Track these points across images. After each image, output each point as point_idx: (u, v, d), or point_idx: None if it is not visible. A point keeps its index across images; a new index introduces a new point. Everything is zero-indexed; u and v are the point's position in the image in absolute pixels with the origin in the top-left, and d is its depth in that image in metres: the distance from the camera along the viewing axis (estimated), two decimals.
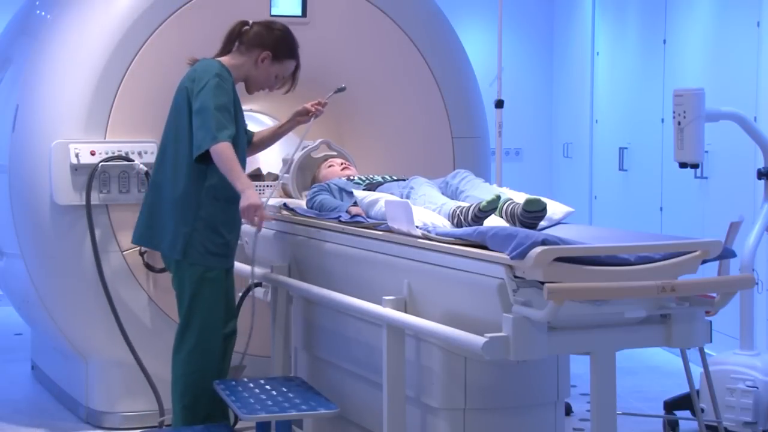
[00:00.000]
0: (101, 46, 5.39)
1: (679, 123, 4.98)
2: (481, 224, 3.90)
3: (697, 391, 5.07)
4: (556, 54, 9.48)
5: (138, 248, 5.33)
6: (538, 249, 3.33)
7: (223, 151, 4.45)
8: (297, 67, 4.82)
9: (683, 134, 4.97)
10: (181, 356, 4.66)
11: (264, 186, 5.63)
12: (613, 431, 3.53)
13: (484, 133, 6.18)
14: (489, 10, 8.67)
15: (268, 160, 6.00)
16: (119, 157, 5.37)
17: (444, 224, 4.03)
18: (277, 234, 4.99)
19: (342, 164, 5.40)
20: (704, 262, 3.59)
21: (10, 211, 5.56)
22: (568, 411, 5.60)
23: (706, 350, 4.92)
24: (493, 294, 3.50)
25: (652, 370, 6.70)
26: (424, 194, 4.36)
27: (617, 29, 8.33)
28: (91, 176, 5.31)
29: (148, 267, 5.41)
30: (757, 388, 5.12)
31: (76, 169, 5.31)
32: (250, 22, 4.78)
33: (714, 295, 3.70)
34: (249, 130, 4.94)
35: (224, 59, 4.69)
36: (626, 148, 8.01)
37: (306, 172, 5.54)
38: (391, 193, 4.54)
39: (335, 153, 5.56)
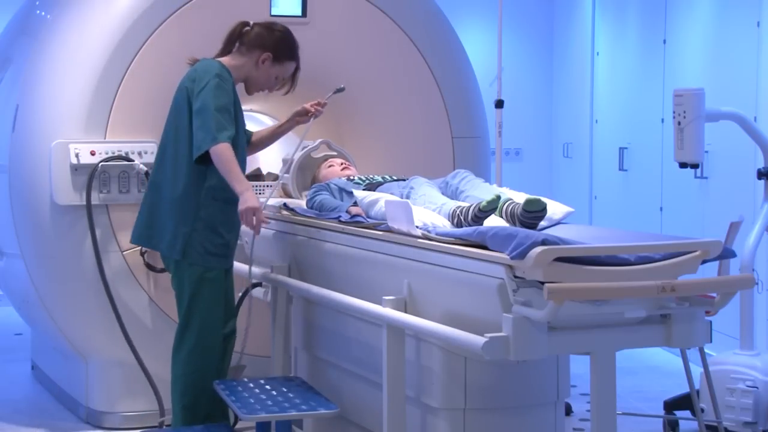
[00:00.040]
0: (101, 46, 5.39)
1: (679, 123, 4.98)
2: (481, 224, 3.90)
3: (697, 391, 5.07)
4: (556, 54, 9.48)
5: (138, 248, 5.33)
6: (538, 249, 3.33)
7: (222, 153, 4.45)
8: (297, 69, 4.82)
9: (683, 134, 4.97)
10: (181, 356, 4.66)
11: (264, 186, 5.63)
12: (613, 431, 3.53)
13: (484, 133, 6.18)
14: (489, 10, 8.68)
15: (268, 160, 6.00)
16: (119, 157, 5.37)
17: (444, 224, 4.03)
18: (277, 234, 4.99)
19: (342, 164, 5.40)
20: (704, 262, 3.59)
21: (10, 211, 5.56)
22: (568, 411, 5.60)
23: (706, 350, 4.92)
24: (493, 294, 3.50)
25: (652, 370, 6.70)
26: (424, 194, 4.36)
27: (617, 29, 8.33)
28: (91, 176, 5.31)
29: (149, 267, 5.41)
30: (757, 388, 5.12)
31: (76, 169, 5.31)
32: (251, 22, 4.78)
33: (714, 295, 3.70)
34: (248, 130, 4.94)
35: (224, 60, 4.69)
36: (626, 148, 8.01)
37: (306, 172, 5.54)
38: (391, 193, 4.54)
39: (335, 153, 5.56)
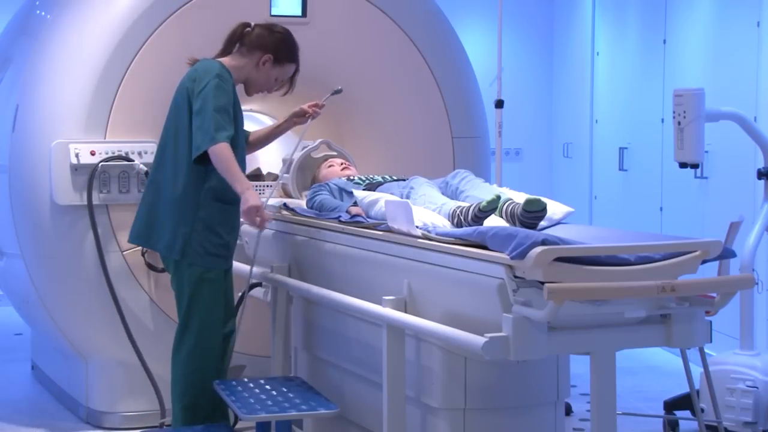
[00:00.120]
0: (101, 46, 5.39)
1: (679, 123, 4.98)
2: (481, 224, 3.90)
3: (697, 391, 5.07)
4: (556, 54, 9.48)
5: (138, 248, 5.33)
6: (538, 249, 3.33)
7: (221, 152, 4.45)
8: (296, 71, 4.82)
9: (683, 134, 4.97)
10: (181, 356, 4.66)
11: (264, 186, 5.63)
12: (613, 431, 3.53)
13: (484, 133, 6.18)
14: (489, 10, 8.68)
15: (268, 160, 6.00)
16: (119, 157, 5.37)
17: (444, 224, 4.03)
18: (277, 234, 4.99)
19: (342, 164, 5.40)
20: (704, 262, 3.59)
21: (10, 211, 5.56)
22: (568, 411, 5.60)
23: (706, 350, 4.92)
24: (493, 294, 3.50)
25: (652, 370, 6.70)
26: (424, 194, 4.36)
27: (617, 29, 8.33)
28: (91, 176, 5.31)
29: (150, 267, 5.41)
30: (757, 388, 5.12)
31: (76, 169, 5.31)
32: (252, 24, 4.78)
33: (714, 295, 3.70)
34: (245, 130, 4.94)
35: (225, 60, 4.69)
36: (626, 148, 8.01)
37: (306, 172, 5.54)
38: (391, 193, 4.54)
39: (335, 153, 5.56)
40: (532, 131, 9.48)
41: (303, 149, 5.48)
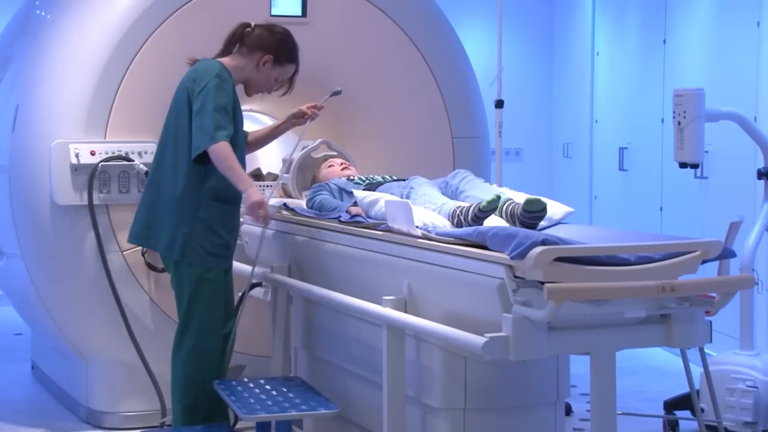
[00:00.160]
0: (101, 46, 5.39)
1: (679, 123, 4.98)
2: (481, 224, 3.90)
3: (697, 391, 5.07)
4: (556, 54, 9.48)
5: (138, 248, 5.33)
6: (538, 249, 3.33)
7: (221, 151, 4.45)
8: (295, 71, 4.82)
9: (683, 134, 4.97)
10: (181, 357, 4.66)
11: (264, 186, 5.63)
12: (613, 431, 3.53)
13: (484, 133, 6.18)
14: (489, 10, 8.68)
15: (268, 160, 6.00)
16: (119, 157, 5.37)
17: (444, 224, 4.03)
18: (277, 234, 4.99)
19: (342, 164, 5.40)
20: (704, 262, 3.59)
21: (10, 211, 5.56)
22: (568, 411, 5.60)
23: (706, 350, 4.91)
24: (493, 294, 3.50)
25: (652, 370, 6.70)
26: (424, 194, 4.36)
27: (617, 29, 8.33)
28: (91, 176, 5.31)
29: (150, 267, 5.41)
30: (757, 388, 5.12)
31: (76, 169, 5.31)
32: (252, 24, 4.78)
33: (714, 295, 3.70)
34: (244, 130, 4.94)
35: (225, 60, 4.69)
36: (626, 148, 8.01)
37: (306, 172, 5.54)
38: (391, 193, 4.54)
39: (335, 153, 5.56)
40: (532, 131, 9.48)
41: (303, 149, 5.48)
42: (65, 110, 5.37)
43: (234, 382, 4.57)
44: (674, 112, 5.01)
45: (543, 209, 3.95)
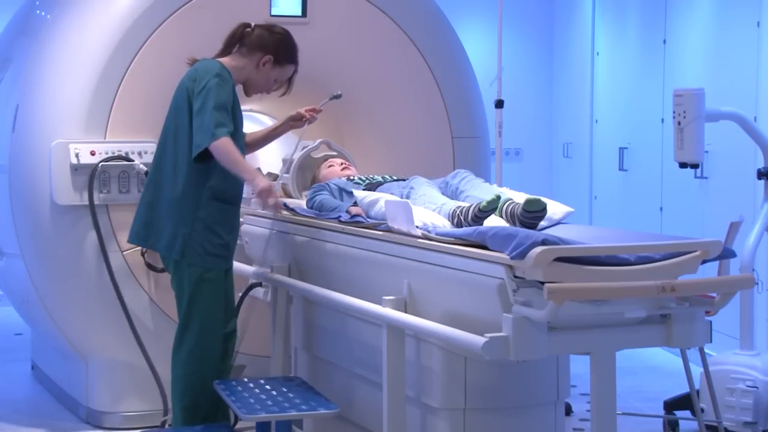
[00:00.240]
0: (101, 46, 5.39)
1: (679, 123, 4.98)
2: (481, 224, 3.90)
3: (697, 391, 5.07)
4: (556, 54, 9.48)
5: (138, 248, 5.33)
6: (538, 249, 3.33)
7: (223, 146, 4.45)
8: (294, 72, 4.82)
9: (683, 134, 4.97)
10: (181, 357, 4.66)
11: None
12: (613, 431, 3.53)
13: (484, 133, 6.18)
14: (489, 10, 8.68)
15: (268, 160, 6.00)
16: (119, 157, 5.37)
17: (444, 224, 4.03)
18: (277, 234, 4.99)
19: (342, 164, 5.40)
20: (704, 262, 3.59)
21: (10, 211, 5.56)
22: (568, 411, 5.60)
23: (706, 350, 4.91)
24: (493, 294, 3.50)
25: (652, 370, 6.70)
26: (424, 194, 4.36)
27: (617, 29, 8.33)
28: (91, 176, 5.31)
29: (150, 267, 5.41)
30: (757, 388, 5.12)
31: (76, 169, 5.31)
32: (252, 24, 4.78)
33: (714, 295, 3.70)
34: (242, 131, 4.94)
35: (225, 60, 4.69)
36: (626, 148, 8.01)
37: (306, 172, 5.54)
38: (391, 193, 4.54)
39: (335, 153, 5.56)
40: (532, 131, 9.48)
41: (303, 149, 5.48)
42: (65, 110, 5.37)
43: (234, 382, 4.57)
44: (674, 112, 5.01)
45: (543, 209, 3.95)
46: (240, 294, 5.07)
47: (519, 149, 9.48)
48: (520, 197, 4.16)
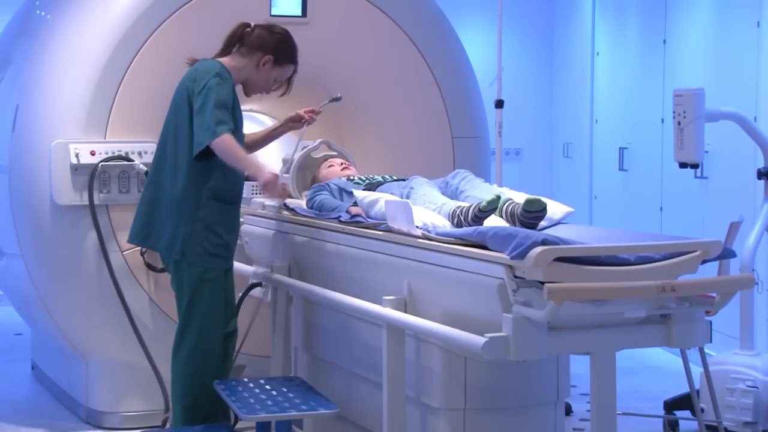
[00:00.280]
0: (101, 46, 5.39)
1: (679, 123, 4.98)
2: (481, 224, 3.90)
3: (697, 391, 5.07)
4: (556, 54, 9.48)
5: (138, 248, 5.33)
6: (538, 249, 3.33)
7: (224, 142, 4.45)
8: (294, 72, 4.82)
9: (683, 134, 4.97)
10: (181, 357, 4.66)
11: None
12: (613, 431, 3.53)
13: (484, 133, 6.18)
14: (489, 10, 8.68)
15: (268, 160, 5.99)
16: (119, 157, 5.37)
17: (444, 224, 4.03)
18: (277, 234, 4.99)
19: (342, 164, 5.40)
20: (704, 262, 3.59)
21: (10, 211, 5.56)
22: (568, 411, 5.60)
23: (706, 350, 4.91)
24: (493, 294, 3.50)
25: (652, 370, 6.70)
26: (424, 194, 4.36)
27: (617, 29, 8.33)
28: (91, 176, 5.31)
29: (149, 267, 5.41)
30: (757, 388, 5.12)
31: (76, 169, 5.31)
32: (252, 24, 4.78)
33: (714, 295, 3.70)
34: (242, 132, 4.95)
35: (224, 60, 4.69)
36: (626, 148, 8.01)
37: (306, 172, 5.54)
38: (391, 193, 4.54)
39: (335, 153, 5.55)
40: (532, 131, 9.48)
41: (303, 149, 5.48)
42: (65, 110, 5.37)
43: (234, 382, 4.57)
44: (674, 112, 5.01)
45: (543, 209, 3.95)
46: (240, 294, 5.07)
47: (519, 149, 9.48)
48: (520, 197, 4.15)
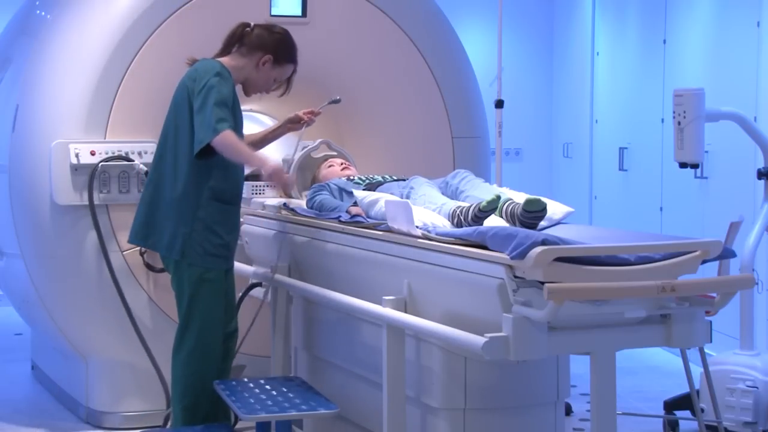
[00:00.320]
0: (101, 46, 5.39)
1: (679, 123, 4.98)
2: (481, 224, 3.90)
3: (697, 391, 5.07)
4: (556, 54, 9.48)
5: (138, 248, 5.33)
6: (538, 249, 3.33)
7: (225, 138, 4.44)
8: (293, 71, 4.82)
9: (683, 134, 4.97)
10: (181, 357, 4.65)
11: (264, 186, 5.62)
12: (613, 431, 3.53)
13: (484, 133, 6.18)
14: (489, 10, 8.67)
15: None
16: (119, 157, 5.37)
17: (444, 224, 4.03)
18: (277, 234, 4.99)
19: (342, 164, 5.40)
20: (704, 262, 3.59)
21: (10, 211, 5.56)
22: (568, 411, 5.60)
23: (706, 350, 4.91)
24: (493, 294, 3.50)
25: (652, 370, 6.70)
26: (424, 194, 4.36)
27: (617, 29, 8.33)
28: (91, 176, 5.31)
29: (148, 267, 5.41)
30: (757, 388, 5.12)
31: (76, 169, 5.31)
32: (252, 24, 4.78)
33: (714, 295, 3.70)
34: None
35: (224, 60, 4.69)
36: (626, 148, 8.01)
37: (306, 172, 5.54)
38: (391, 193, 4.54)
39: (335, 153, 5.56)
40: (532, 131, 9.48)
41: (303, 149, 5.48)
42: (65, 110, 5.37)
43: (234, 382, 4.57)
44: (674, 112, 5.01)
45: (543, 209, 3.95)
46: (240, 294, 5.07)
47: (519, 149, 9.48)
48: (520, 197, 4.15)
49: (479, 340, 3.44)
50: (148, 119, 5.35)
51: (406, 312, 3.97)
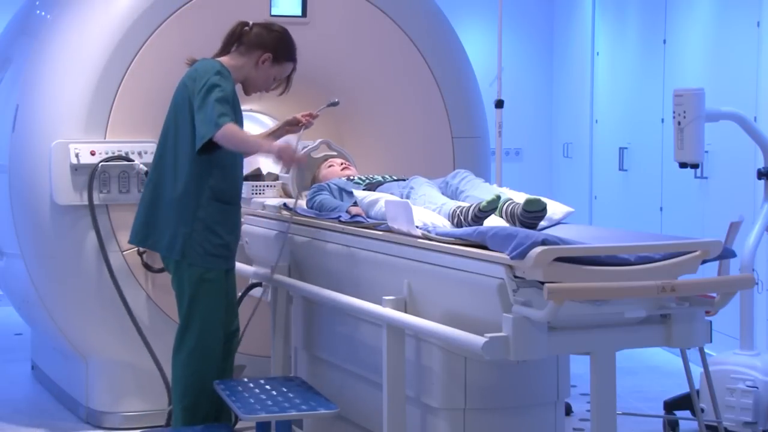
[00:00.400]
0: (101, 46, 5.39)
1: (679, 123, 4.98)
2: (481, 224, 3.90)
3: (697, 391, 5.07)
4: (556, 54, 9.48)
5: (137, 248, 5.33)
6: (538, 249, 3.33)
7: (228, 131, 4.43)
8: (293, 70, 4.82)
9: (683, 134, 4.97)
10: (181, 357, 4.65)
11: (264, 186, 5.62)
12: (613, 431, 3.53)
13: (484, 133, 6.18)
14: (489, 10, 8.67)
15: (268, 160, 5.99)
16: (119, 157, 5.37)
17: (444, 224, 4.03)
18: (278, 234, 4.98)
19: (342, 164, 5.40)
20: (704, 262, 3.59)
21: (10, 211, 5.56)
22: (568, 411, 5.60)
23: (706, 350, 4.91)
24: (493, 294, 3.50)
25: (652, 370, 6.70)
26: (424, 194, 4.36)
27: (617, 29, 8.33)
28: (91, 176, 5.31)
29: (147, 267, 5.41)
30: (757, 388, 5.12)
31: (76, 169, 5.31)
32: (250, 23, 4.78)
33: (714, 295, 3.70)
34: None
35: (224, 60, 4.69)
36: (626, 148, 8.01)
37: (306, 172, 5.54)
38: (391, 193, 4.54)
39: (335, 153, 5.56)
40: (532, 131, 9.48)
41: (303, 149, 5.48)
42: (65, 110, 5.37)
43: (234, 382, 4.57)
44: (674, 112, 5.01)
45: (543, 209, 3.95)
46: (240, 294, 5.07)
47: (519, 149, 9.48)
48: (520, 197, 4.16)
49: (479, 340, 3.45)
50: (148, 119, 5.35)
51: (406, 312, 3.97)
